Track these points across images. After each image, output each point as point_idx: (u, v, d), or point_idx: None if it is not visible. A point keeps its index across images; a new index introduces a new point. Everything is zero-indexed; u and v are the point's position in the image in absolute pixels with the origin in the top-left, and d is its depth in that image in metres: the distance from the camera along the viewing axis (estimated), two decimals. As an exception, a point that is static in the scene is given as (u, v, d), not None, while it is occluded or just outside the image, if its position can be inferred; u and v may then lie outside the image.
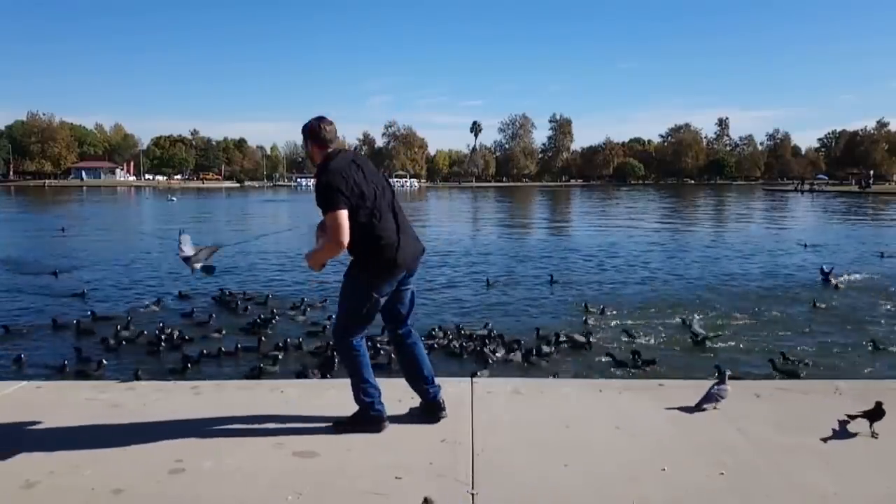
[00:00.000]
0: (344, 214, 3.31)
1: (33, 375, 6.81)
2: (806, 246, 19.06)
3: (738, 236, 23.85)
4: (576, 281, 13.68)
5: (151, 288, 12.59)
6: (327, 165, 3.42)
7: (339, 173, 3.36)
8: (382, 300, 3.55)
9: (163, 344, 8.05)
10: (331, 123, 3.54)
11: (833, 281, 11.97)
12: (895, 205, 49.01)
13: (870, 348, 7.90)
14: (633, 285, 13.10)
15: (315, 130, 3.50)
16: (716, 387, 3.92)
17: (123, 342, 8.24)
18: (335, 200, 3.30)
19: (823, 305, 10.32)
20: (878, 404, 3.45)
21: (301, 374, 6.72)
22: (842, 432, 3.49)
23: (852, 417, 3.53)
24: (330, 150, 3.49)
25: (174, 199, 60.12)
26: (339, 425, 3.59)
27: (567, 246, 21.45)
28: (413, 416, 3.72)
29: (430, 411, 3.69)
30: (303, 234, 21.01)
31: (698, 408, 3.83)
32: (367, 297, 3.50)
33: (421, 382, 3.69)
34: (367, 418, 3.56)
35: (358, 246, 3.43)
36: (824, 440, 3.42)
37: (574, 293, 12.08)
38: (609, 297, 11.47)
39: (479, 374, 5.96)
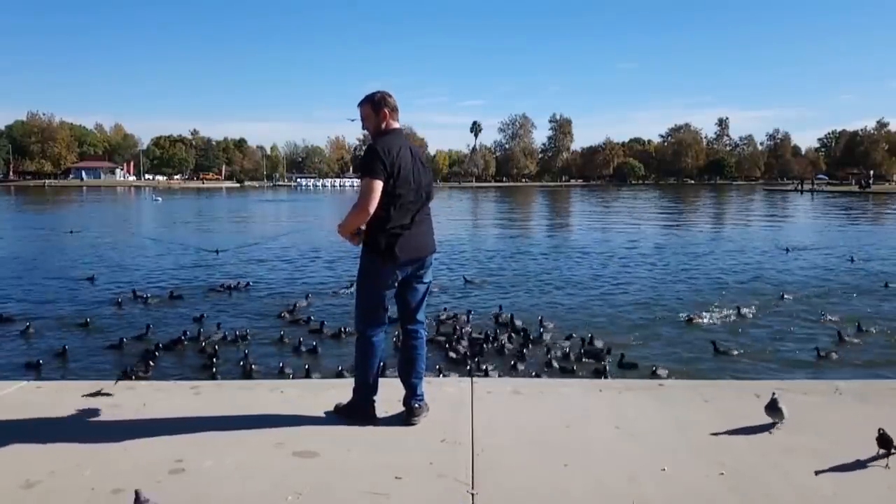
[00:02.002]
0: (378, 184, 3.44)
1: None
2: (788, 250, 18.58)
3: (723, 239, 23.48)
4: (493, 282, 13.83)
5: (190, 290, 12.61)
6: (384, 136, 3.60)
7: (389, 149, 3.50)
8: (389, 290, 3.67)
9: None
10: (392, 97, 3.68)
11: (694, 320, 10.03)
12: (894, 204, 49.02)
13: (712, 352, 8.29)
14: (584, 289, 13.06)
15: (385, 100, 3.64)
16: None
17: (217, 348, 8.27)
18: (375, 169, 3.45)
19: (748, 313, 10.19)
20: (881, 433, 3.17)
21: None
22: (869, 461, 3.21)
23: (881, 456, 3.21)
24: (394, 125, 3.65)
25: (159, 199, 59.45)
26: (338, 409, 3.83)
27: (534, 246, 21.60)
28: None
29: (405, 412, 3.74)
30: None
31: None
32: (373, 283, 3.65)
33: (405, 385, 3.75)
34: (357, 411, 3.75)
35: (372, 227, 3.56)
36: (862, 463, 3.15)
37: (489, 296, 12.14)
38: (535, 303, 11.53)
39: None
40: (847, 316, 9.93)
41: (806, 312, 10.49)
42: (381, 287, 3.64)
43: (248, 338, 8.83)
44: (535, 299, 12.04)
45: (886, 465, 3.11)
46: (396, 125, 3.67)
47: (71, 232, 24.28)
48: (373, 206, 3.46)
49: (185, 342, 8.48)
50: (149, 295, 11.72)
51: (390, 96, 3.67)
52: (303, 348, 8.28)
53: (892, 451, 3.13)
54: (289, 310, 10.42)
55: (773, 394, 3.46)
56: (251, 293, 12.36)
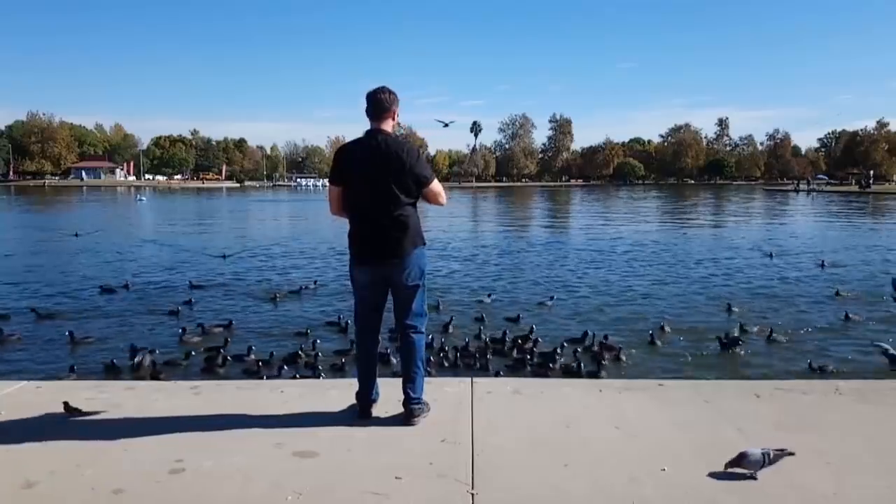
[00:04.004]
0: (332, 189, 3.72)
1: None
2: (772, 256, 17.63)
3: (711, 242, 22.50)
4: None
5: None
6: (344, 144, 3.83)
7: (337, 153, 3.73)
8: (360, 289, 3.77)
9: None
10: (377, 95, 3.65)
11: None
12: (892, 205, 48.93)
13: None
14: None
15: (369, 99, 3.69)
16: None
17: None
18: (330, 176, 3.76)
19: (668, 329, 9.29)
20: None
21: None
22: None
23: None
24: (371, 127, 3.65)
25: (143, 199, 58.00)
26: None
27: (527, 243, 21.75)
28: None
29: (405, 413, 3.72)
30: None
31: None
32: (350, 277, 3.82)
33: (403, 386, 3.74)
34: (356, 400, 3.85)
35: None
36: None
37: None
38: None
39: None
40: (771, 325, 9.06)
41: (727, 323, 9.58)
42: (353, 285, 3.82)
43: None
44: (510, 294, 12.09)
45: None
46: (374, 125, 3.66)
47: (76, 234, 23.76)
48: (330, 209, 3.76)
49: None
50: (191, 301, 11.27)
51: (375, 94, 3.66)
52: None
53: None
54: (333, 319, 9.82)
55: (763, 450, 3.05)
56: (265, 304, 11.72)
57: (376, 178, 3.54)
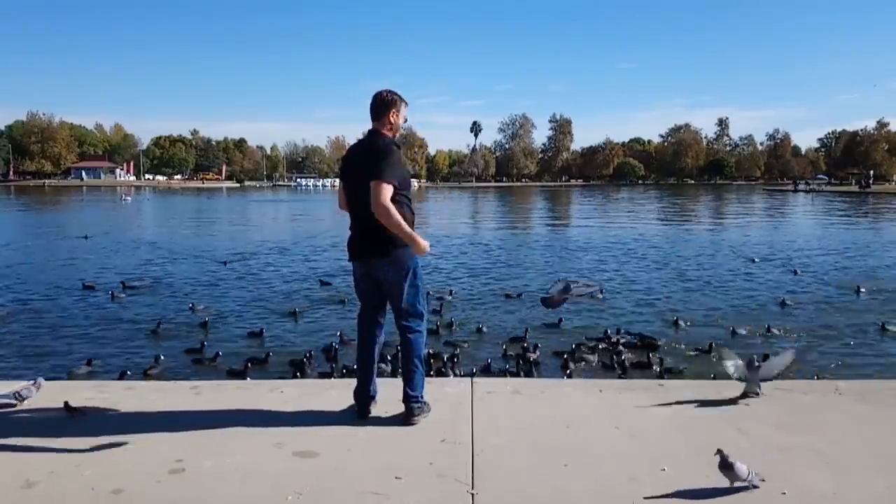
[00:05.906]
0: (339, 186, 3.94)
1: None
2: (754, 260, 17.27)
3: (699, 246, 21.71)
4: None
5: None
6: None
7: (345, 153, 3.91)
8: (357, 281, 3.88)
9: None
10: (375, 95, 3.75)
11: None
12: (890, 205, 48.84)
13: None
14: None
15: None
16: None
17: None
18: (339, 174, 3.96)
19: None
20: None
21: None
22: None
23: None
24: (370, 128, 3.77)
25: (128, 198, 56.61)
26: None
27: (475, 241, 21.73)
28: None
29: (404, 413, 3.72)
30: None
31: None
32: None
33: (403, 385, 3.74)
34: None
35: None
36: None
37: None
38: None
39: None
40: (696, 341, 8.78)
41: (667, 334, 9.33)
42: (355, 278, 3.91)
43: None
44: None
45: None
46: (373, 125, 3.74)
47: (86, 237, 23.29)
48: (337, 204, 3.95)
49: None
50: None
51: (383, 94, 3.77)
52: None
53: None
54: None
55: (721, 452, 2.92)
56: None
57: (359, 176, 3.63)
